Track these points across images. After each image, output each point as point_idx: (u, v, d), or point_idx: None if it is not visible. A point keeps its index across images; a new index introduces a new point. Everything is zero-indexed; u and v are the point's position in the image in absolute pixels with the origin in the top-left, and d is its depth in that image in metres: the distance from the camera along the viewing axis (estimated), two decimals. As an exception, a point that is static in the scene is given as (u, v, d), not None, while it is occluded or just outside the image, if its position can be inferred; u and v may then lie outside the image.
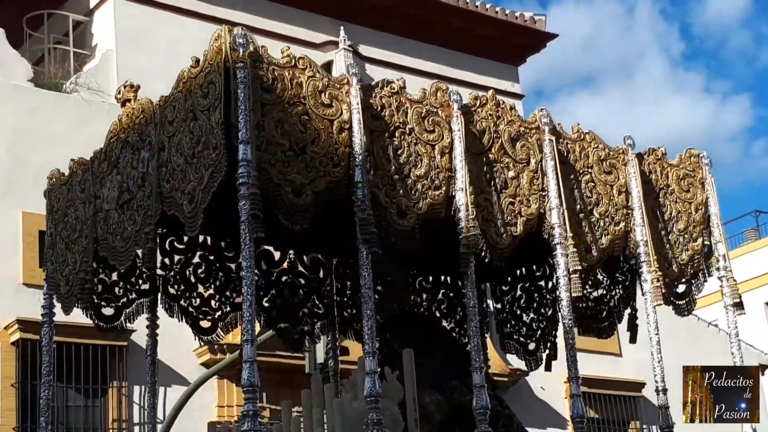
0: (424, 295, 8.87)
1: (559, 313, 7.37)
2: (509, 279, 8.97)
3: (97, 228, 7.21)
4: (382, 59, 20.54)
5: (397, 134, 6.82)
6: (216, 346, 15.36)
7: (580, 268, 7.17)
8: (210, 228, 7.50)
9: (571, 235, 7.22)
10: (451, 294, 8.90)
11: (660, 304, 7.59)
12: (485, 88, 20.83)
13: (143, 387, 15.32)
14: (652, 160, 7.96)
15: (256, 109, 6.28)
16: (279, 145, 6.35)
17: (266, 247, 8.32)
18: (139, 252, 7.67)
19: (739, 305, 7.76)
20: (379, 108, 6.79)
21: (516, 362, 19.93)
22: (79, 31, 18.58)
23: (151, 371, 8.00)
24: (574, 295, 7.16)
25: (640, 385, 20.07)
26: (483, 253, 6.80)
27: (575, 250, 7.20)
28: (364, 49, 20.61)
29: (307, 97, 6.52)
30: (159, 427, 14.70)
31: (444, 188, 6.92)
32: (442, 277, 8.84)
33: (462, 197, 6.86)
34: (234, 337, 12.92)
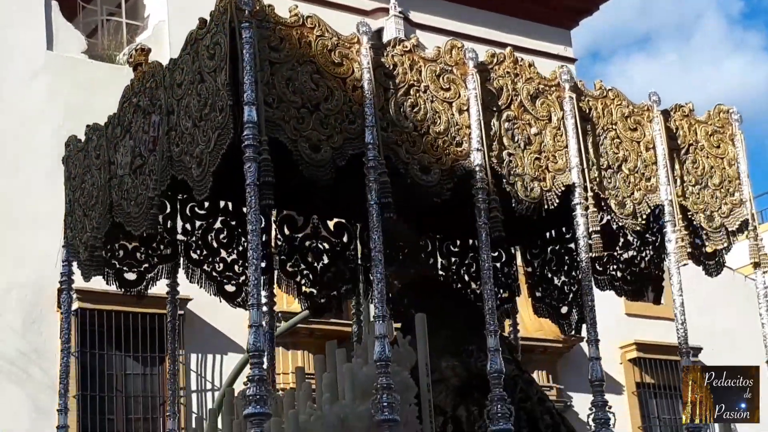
0: (453, 260, 8.75)
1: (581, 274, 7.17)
2: (539, 242, 8.83)
3: (112, 194, 7.16)
4: (433, 25, 20.34)
5: (412, 92, 6.68)
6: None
7: (598, 228, 7.01)
8: (230, 193, 7.44)
9: (592, 194, 7.06)
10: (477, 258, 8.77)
11: (685, 264, 7.42)
12: (537, 53, 21.05)
13: (200, 355, 15.54)
14: (678, 116, 7.75)
15: (264, 68, 6.17)
16: (291, 102, 6.24)
17: (289, 212, 8.27)
18: (160, 218, 7.68)
19: (757, 265, 7.58)
20: (392, 66, 6.65)
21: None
22: (132, 2, 18.58)
23: (171, 338, 8.06)
24: (595, 254, 7.01)
25: (696, 350, 19.81)
26: (497, 215, 6.63)
27: (595, 209, 7.03)
28: (415, 16, 20.43)
29: (316, 56, 6.40)
30: (216, 394, 14.86)
31: (467, 144, 6.79)
32: (470, 241, 8.70)
33: (478, 157, 6.72)
34: (289, 304, 12.97)
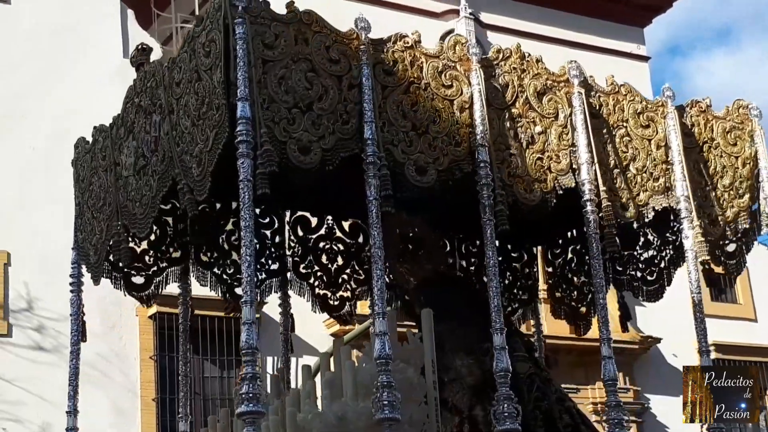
0: (472, 260, 8.63)
1: (592, 271, 7.02)
2: (560, 241, 8.69)
3: (118, 195, 7.13)
4: (503, 26, 20.27)
5: (411, 89, 6.59)
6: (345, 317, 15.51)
7: (615, 223, 6.87)
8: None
9: (605, 189, 6.92)
10: (499, 258, 8.64)
11: (707, 259, 7.27)
12: (609, 52, 20.88)
13: (275, 358, 15.64)
14: (694, 112, 7.59)
15: (257, 66, 6.12)
16: (283, 102, 6.16)
17: (302, 213, 8.22)
18: (170, 219, 7.65)
19: None
20: (392, 63, 6.57)
21: (648, 330, 19.71)
22: (205, 9, 18.69)
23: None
24: (609, 251, 6.89)
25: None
26: (502, 209, 6.53)
27: (609, 204, 6.90)
28: (486, 17, 20.39)
29: (312, 53, 6.32)
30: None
31: (466, 144, 6.68)
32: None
33: (483, 153, 6.62)
34: (363, 308, 12.86)
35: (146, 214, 6.85)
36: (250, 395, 5.64)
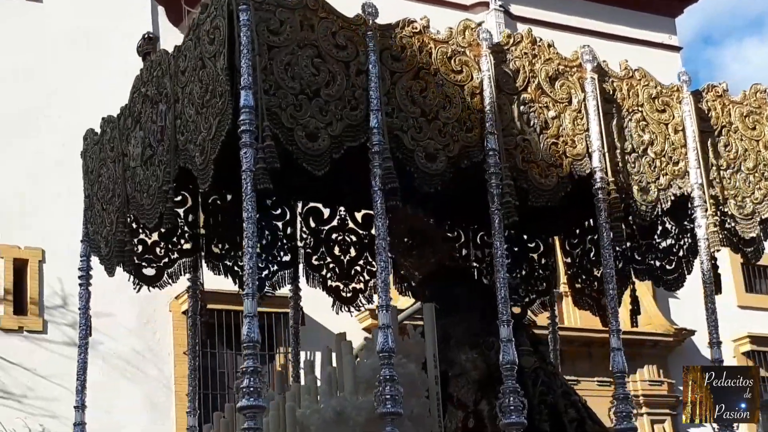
0: (486, 251, 8.51)
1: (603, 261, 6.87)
2: (577, 231, 8.56)
3: (126, 186, 7.05)
4: (533, 18, 20.11)
5: (420, 75, 6.46)
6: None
7: (622, 214, 6.74)
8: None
9: (613, 180, 6.78)
10: (515, 249, 8.53)
11: (718, 250, 7.11)
12: (640, 42, 20.66)
13: (308, 352, 15.57)
14: (711, 97, 7.42)
15: (262, 53, 6.01)
16: (289, 89, 6.05)
17: (315, 204, 8.12)
18: (180, 211, 7.57)
19: None
20: (400, 49, 6.44)
21: (682, 322, 19.53)
22: (234, 5, 18.70)
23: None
24: (615, 241, 6.75)
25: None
26: (509, 200, 6.39)
27: (617, 195, 6.75)
28: (515, 9, 20.25)
29: (318, 40, 6.20)
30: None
31: (477, 130, 6.54)
32: (506, 232, 8.42)
33: (492, 141, 6.49)
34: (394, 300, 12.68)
35: (153, 204, 6.77)
36: (251, 389, 5.56)
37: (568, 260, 8.64)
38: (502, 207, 6.38)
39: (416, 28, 6.54)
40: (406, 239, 7.83)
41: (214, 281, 8.14)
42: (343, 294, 8.13)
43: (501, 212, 6.39)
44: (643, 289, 17.68)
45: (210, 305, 14.48)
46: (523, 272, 8.50)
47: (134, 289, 7.61)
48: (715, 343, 6.92)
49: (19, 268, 16.06)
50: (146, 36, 6.88)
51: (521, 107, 6.71)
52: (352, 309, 8.18)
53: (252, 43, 5.93)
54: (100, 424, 15.90)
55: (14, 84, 16.63)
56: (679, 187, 7.08)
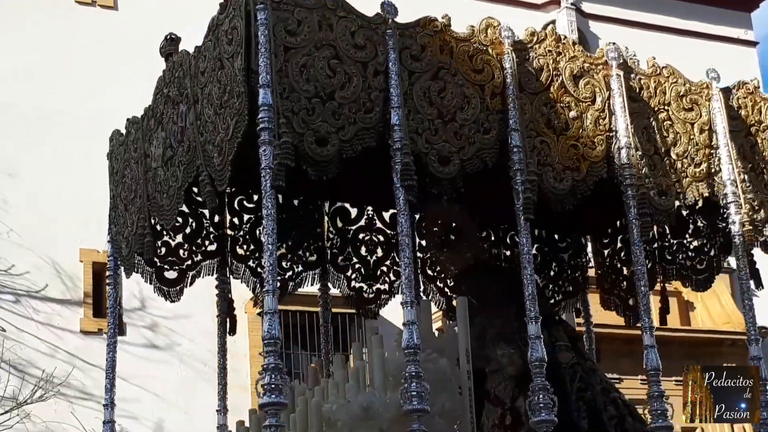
0: (516, 250, 8.42)
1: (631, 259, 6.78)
2: (609, 231, 8.46)
3: (147, 187, 7.02)
4: (606, 15, 19.98)
5: (440, 75, 6.39)
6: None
7: (650, 211, 6.64)
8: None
9: (639, 176, 6.66)
10: (546, 249, 8.46)
11: (752, 248, 7.01)
12: (715, 38, 20.46)
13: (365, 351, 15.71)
14: (741, 94, 7.31)
15: (278, 54, 5.97)
16: (303, 92, 5.99)
17: (342, 203, 8.09)
18: (207, 212, 7.55)
19: None
20: (420, 48, 6.37)
21: (762, 320, 19.26)
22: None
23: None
24: (643, 238, 6.65)
25: None
26: (530, 196, 6.31)
27: (645, 191, 6.65)
28: (587, 6, 20.14)
29: (337, 39, 6.15)
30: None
31: (494, 131, 6.46)
32: (536, 231, 8.35)
33: (515, 138, 6.40)
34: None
35: (172, 205, 6.75)
36: (272, 386, 5.52)
37: (599, 260, 8.55)
38: (522, 203, 6.30)
39: (437, 27, 6.47)
40: (442, 235, 7.78)
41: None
42: (365, 295, 8.08)
43: (522, 209, 6.31)
44: (722, 287, 17.49)
45: (281, 306, 14.63)
46: (553, 272, 8.41)
47: (154, 292, 7.57)
48: (753, 339, 6.81)
49: (98, 271, 16.14)
50: (168, 36, 6.84)
51: (542, 108, 6.62)
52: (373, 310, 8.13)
53: (270, 43, 5.88)
54: (177, 425, 16.19)
55: (93, 88, 17.15)
56: (702, 191, 6.98)
